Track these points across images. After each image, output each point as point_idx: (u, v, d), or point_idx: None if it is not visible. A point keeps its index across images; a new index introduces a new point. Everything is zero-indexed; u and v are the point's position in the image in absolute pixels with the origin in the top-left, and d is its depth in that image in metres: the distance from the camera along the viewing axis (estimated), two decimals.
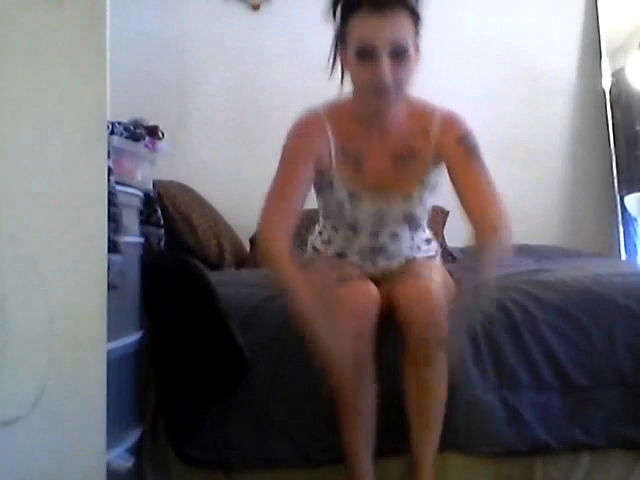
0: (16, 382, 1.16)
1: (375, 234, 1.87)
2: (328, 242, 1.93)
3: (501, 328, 1.94)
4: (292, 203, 1.70)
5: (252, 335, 1.90)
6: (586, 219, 3.67)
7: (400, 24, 1.59)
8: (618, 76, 3.61)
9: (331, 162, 1.76)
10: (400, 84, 1.64)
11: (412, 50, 1.63)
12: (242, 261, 2.90)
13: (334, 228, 1.91)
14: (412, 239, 1.91)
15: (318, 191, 1.88)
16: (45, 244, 1.19)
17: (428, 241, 1.98)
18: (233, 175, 3.45)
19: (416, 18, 1.63)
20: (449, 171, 1.76)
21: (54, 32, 1.19)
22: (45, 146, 1.19)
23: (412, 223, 1.88)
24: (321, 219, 1.97)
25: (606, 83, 3.66)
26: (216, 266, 2.70)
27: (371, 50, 1.59)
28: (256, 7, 3.51)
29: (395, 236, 1.88)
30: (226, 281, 2.17)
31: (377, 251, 1.88)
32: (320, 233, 1.96)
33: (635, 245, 3.53)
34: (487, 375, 1.90)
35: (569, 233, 3.61)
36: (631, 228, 3.55)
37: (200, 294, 2.03)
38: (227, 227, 2.99)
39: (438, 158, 1.77)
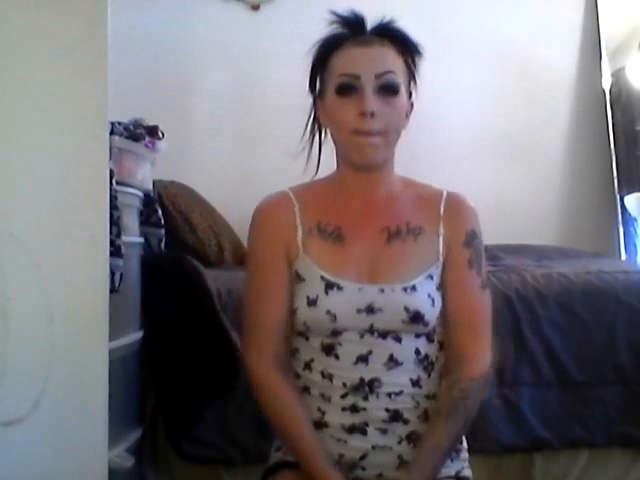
0: (17, 382, 1.16)
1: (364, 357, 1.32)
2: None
3: (504, 325, 1.94)
4: (277, 319, 1.35)
5: None
6: (586, 219, 3.67)
7: (388, 58, 1.34)
8: (618, 76, 3.61)
9: (297, 249, 1.37)
10: (388, 129, 1.31)
11: (403, 91, 1.34)
12: (242, 260, 2.90)
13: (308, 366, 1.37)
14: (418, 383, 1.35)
15: None
16: (46, 244, 1.19)
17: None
18: (233, 175, 3.45)
19: (409, 59, 1.38)
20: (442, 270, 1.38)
21: (55, 32, 1.19)
22: (46, 146, 1.20)
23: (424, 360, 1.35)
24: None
25: (606, 83, 3.66)
26: (216, 265, 2.71)
27: (353, 83, 1.31)
28: (256, 7, 3.51)
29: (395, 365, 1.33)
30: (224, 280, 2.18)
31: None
32: (297, 351, 1.40)
33: (635, 245, 3.53)
34: None
35: (569, 233, 3.61)
36: (631, 228, 3.55)
37: (197, 294, 2.04)
38: (227, 227, 3.00)
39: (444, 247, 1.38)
